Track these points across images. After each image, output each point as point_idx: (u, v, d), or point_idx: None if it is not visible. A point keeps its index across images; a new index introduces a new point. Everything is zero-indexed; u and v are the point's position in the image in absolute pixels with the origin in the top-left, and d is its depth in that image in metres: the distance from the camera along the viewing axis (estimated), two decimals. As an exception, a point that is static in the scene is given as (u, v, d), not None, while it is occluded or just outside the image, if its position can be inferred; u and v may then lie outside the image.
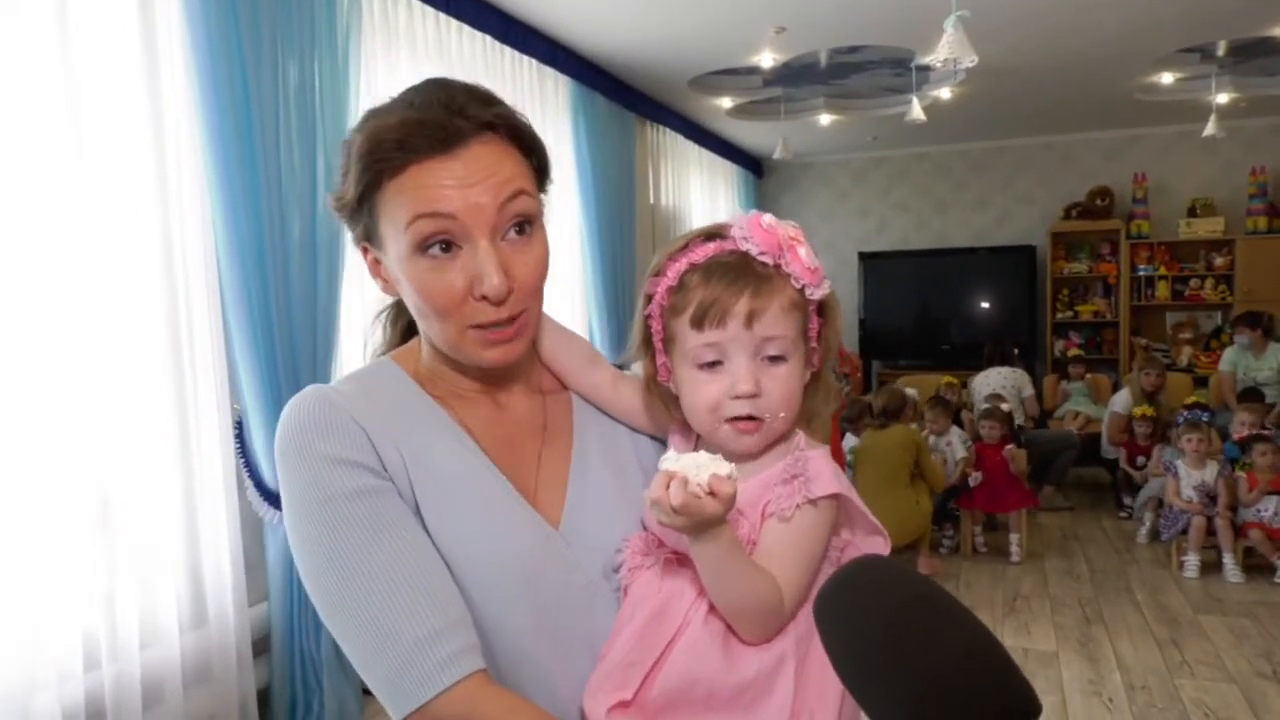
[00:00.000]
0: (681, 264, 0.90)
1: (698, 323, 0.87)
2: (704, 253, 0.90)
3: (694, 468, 0.78)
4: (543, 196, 0.95)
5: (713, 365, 0.88)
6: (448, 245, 0.87)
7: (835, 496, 0.88)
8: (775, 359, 0.88)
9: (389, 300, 1.08)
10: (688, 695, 0.85)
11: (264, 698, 2.77)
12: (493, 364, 0.92)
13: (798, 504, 0.86)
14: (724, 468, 0.78)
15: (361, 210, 0.90)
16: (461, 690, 0.83)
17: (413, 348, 1.01)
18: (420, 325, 0.95)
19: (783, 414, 0.89)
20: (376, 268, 0.95)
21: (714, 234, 0.91)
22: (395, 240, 0.88)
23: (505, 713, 0.84)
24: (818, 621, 0.68)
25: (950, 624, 0.60)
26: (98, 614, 2.26)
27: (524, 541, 0.91)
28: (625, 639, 0.88)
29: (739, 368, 0.87)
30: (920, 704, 0.57)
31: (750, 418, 0.87)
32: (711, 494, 0.78)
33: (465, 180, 0.86)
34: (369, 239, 0.93)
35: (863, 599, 0.65)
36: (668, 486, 0.78)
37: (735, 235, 0.89)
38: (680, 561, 0.90)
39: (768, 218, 0.89)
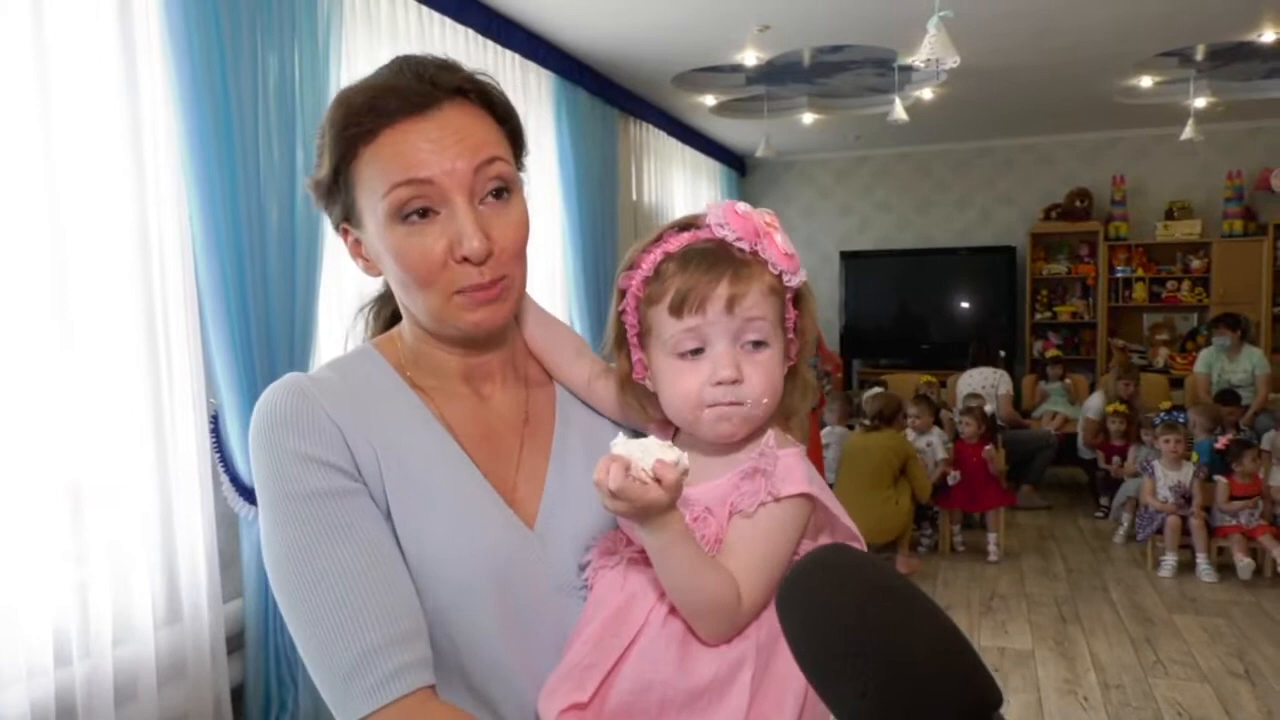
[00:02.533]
0: (656, 254, 0.88)
1: (676, 309, 0.85)
2: (679, 242, 0.88)
3: (640, 452, 0.76)
4: (521, 176, 0.94)
5: (693, 354, 0.86)
6: (425, 211, 0.86)
7: (806, 497, 0.86)
8: (757, 345, 0.86)
9: (371, 295, 1.07)
10: (642, 700, 0.82)
11: (238, 694, 2.74)
12: (478, 328, 0.90)
13: (761, 501, 0.84)
14: (671, 454, 0.77)
15: (338, 187, 0.89)
16: (402, 707, 0.81)
17: (394, 335, 0.99)
18: (403, 300, 0.93)
19: (765, 400, 0.86)
20: (357, 249, 0.93)
21: (688, 224, 0.90)
22: (372, 211, 0.87)
23: None
24: (779, 605, 0.67)
25: (916, 614, 0.60)
26: (70, 609, 2.23)
27: (494, 542, 0.89)
28: (584, 640, 0.86)
29: (720, 354, 0.85)
30: (884, 691, 0.57)
31: (732, 404, 0.85)
32: (657, 480, 0.76)
33: (440, 142, 0.85)
34: (348, 218, 0.92)
35: (829, 585, 0.64)
36: (607, 475, 0.76)
37: (711, 223, 0.87)
38: (645, 561, 0.88)
39: (742, 205, 0.87)
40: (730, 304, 0.84)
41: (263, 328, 2.69)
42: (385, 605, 0.83)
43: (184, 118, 2.49)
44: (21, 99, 2.15)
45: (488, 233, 0.87)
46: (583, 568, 0.92)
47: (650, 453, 0.76)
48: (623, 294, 0.91)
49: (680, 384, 0.86)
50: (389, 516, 0.88)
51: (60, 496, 2.22)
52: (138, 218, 2.46)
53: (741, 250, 0.86)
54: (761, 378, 0.85)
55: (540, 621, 0.90)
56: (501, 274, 0.89)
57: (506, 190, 0.90)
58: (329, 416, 0.88)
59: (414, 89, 0.86)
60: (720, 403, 0.85)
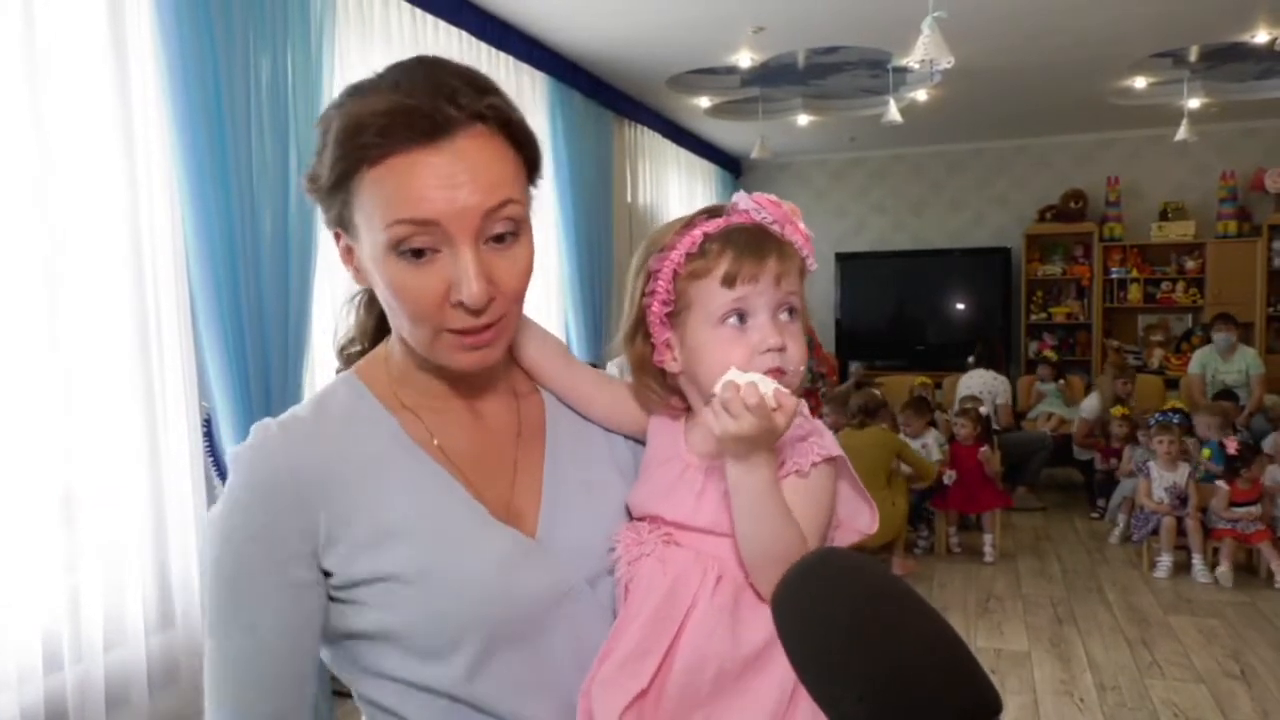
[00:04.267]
0: (696, 235, 0.92)
1: (730, 280, 0.89)
2: (715, 225, 0.92)
3: (758, 382, 0.81)
4: (531, 190, 0.92)
5: (739, 322, 0.90)
6: (423, 251, 0.82)
7: (840, 460, 0.91)
8: (791, 318, 0.91)
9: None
10: (698, 679, 0.83)
11: (232, 700, 2.73)
12: (466, 369, 0.89)
13: (814, 461, 0.88)
14: (784, 386, 0.82)
15: (335, 196, 0.85)
16: None
17: (378, 356, 0.96)
18: (392, 322, 0.91)
19: (800, 369, 0.91)
20: (348, 256, 0.90)
21: (716, 212, 0.94)
22: (370, 235, 0.83)
23: None
24: (775, 608, 0.67)
25: (914, 618, 0.60)
26: (61, 614, 2.22)
27: (491, 561, 0.88)
28: (637, 627, 0.86)
29: (763, 324, 0.90)
30: (881, 696, 0.57)
31: (779, 371, 0.89)
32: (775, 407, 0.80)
33: (451, 180, 0.80)
34: (342, 225, 0.88)
35: (826, 588, 0.64)
36: (738, 391, 0.80)
37: (745, 208, 0.93)
38: (678, 540, 0.90)
39: (770, 196, 0.93)
40: (778, 279, 0.89)
41: (256, 331, 2.68)
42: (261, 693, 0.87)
43: (176, 121, 2.49)
44: (12, 104, 2.14)
45: (490, 276, 0.83)
46: (611, 570, 0.92)
47: (767, 382, 0.81)
48: (650, 276, 0.93)
49: (730, 354, 0.89)
50: (365, 594, 0.88)
51: (52, 501, 2.21)
52: (130, 221, 2.45)
53: (776, 232, 0.92)
54: (796, 347, 0.91)
55: (550, 630, 0.89)
56: (498, 317, 0.86)
57: (514, 234, 0.87)
58: (301, 495, 0.86)
59: (429, 111, 0.80)
60: (769, 370, 0.89)
